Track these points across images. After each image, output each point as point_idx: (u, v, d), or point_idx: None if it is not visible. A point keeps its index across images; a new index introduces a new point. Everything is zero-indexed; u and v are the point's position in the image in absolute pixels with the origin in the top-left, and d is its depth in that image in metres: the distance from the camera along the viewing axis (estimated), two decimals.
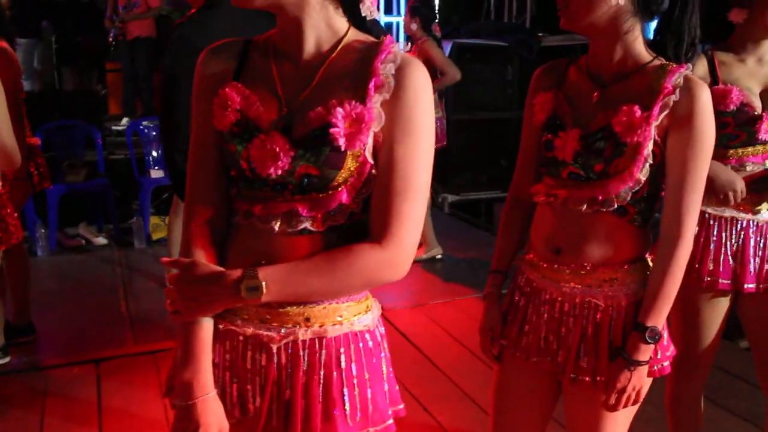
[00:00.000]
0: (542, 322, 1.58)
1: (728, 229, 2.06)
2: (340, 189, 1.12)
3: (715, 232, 2.06)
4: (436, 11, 6.44)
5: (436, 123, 4.62)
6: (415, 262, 4.65)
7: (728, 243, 2.05)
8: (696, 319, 2.11)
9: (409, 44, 4.71)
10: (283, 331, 1.16)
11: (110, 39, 6.80)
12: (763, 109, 2.01)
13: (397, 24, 6.55)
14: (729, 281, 2.05)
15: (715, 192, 1.98)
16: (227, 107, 1.15)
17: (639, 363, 1.46)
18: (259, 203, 1.15)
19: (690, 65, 1.46)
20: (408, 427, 2.75)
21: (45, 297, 4.04)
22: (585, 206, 1.49)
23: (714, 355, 2.17)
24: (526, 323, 1.61)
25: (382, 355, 1.25)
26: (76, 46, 7.41)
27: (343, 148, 1.09)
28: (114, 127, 6.60)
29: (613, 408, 1.49)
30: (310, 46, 1.15)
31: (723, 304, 2.10)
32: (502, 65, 6.76)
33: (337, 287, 1.13)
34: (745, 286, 2.04)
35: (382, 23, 6.43)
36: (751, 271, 2.04)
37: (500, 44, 6.80)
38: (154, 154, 5.34)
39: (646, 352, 1.47)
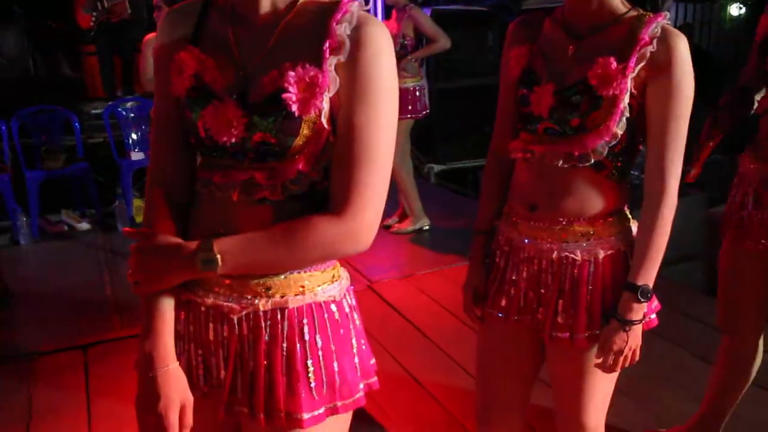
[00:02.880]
0: (522, 279, 1.56)
1: None
2: (297, 156, 1.07)
3: None
4: None
5: (419, 92, 4.57)
6: (403, 233, 4.67)
7: None
8: None
9: (394, 13, 4.57)
10: (243, 301, 1.13)
11: (92, 23, 6.61)
12: None
13: None
14: None
15: None
16: (182, 72, 1.11)
17: (633, 322, 1.45)
18: (219, 171, 1.12)
19: (667, 14, 1.42)
20: (400, 399, 2.76)
21: (30, 285, 4.00)
22: (561, 161, 1.46)
23: None
24: (506, 282, 1.59)
25: (351, 326, 1.20)
26: (49, 31, 7.26)
27: (297, 114, 1.04)
28: (92, 111, 6.50)
29: (611, 369, 1.48)
30: (265, 7, 1.10)
31: None
32: (482, 31, 6.68)
33: (294, 260, 1.09)
34: None
35: None
36: None
37: (479, 9, 6.72)
38: (134, 136, 5.27)
39: (639, 311, 1.45)
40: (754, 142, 2.04)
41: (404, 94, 4.48)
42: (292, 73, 1.04)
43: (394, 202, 4.75)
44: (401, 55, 4.44)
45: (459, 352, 3.09)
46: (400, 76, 4.41)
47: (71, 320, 3.56)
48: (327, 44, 1.05)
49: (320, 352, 1.14)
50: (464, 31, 6.36)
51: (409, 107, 4.51)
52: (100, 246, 4.76)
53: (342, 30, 1.05)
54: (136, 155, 5.17)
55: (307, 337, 1.13)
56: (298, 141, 1.06)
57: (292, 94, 1.03)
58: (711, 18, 10.92)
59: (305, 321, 1.14)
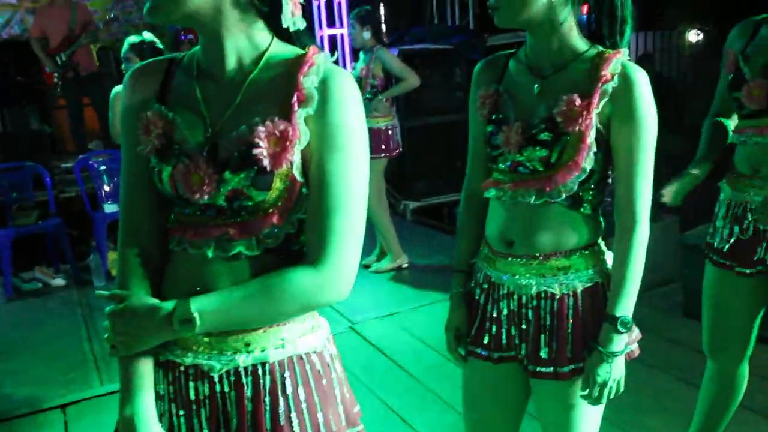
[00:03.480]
0: (502, 316, 1.57)
1: None
2: (271, 210, 1.08)
3: None
4: (382, 20, 6.47)
5: (391, 131, 4.62)
6: (382, 272, 4.67)
7: None
8: None
9: (361, 55, 4.65)
10: (223, 358, 1.11)
11: (55, 79, 6.61)
12: None
13: (341, 36, 6.52)
14: None
15: None
16: (150, 132, 1.11)
17: (615, 354, 1.46)
18: (192, 228, 1.11)
19: (626, 50, 1.47)
20: None
21: (5, 346, 3.91)
22: (533, 198, 1.48)
23: None
24: (487, 319, 1.60)
25: (333, 375, 1.19)
26: (18, 87, 7.23)
27: (269, 169, 1.05)
28: (63, 165, 6.46)
29: (597, 401, 1.48)
30: (231, 63, 1.11)
31: None
32: (449, 68, 6.79)
33: (273, 314, 1.09)
34: None
35: (325, 36, 6.40)
36: None
37: (445, 47, 6.84)
38: (106, 188, 5.23)
39: (620, 342, 1.46)
40: (733, 169, 2.10)
41: (377, 134, 4.53)
42: (261, 128, 1.04)
43: (371, 241, 4.76)
44: (372, 95, 4.50)
45: (445, 388, 3.07)
46: (371, 116, 4.51)
47: (49, 379, 3.48)
48: (295, 97, 1.06)
49: (304, 405, 1.13)
50: (432, 69, 6.47)
51: (383, 146, 4.55)
52: (76, 301, 4.68)
53: (309, 83, 1.06)
54: (110, 207, 5.12)
55: (289, 391, 1.12)
56: (271, 195, 1.07)
57: (263, 149, 1.04)
58: (670, 46, 11.22)
59: (287, 374, 1.12)
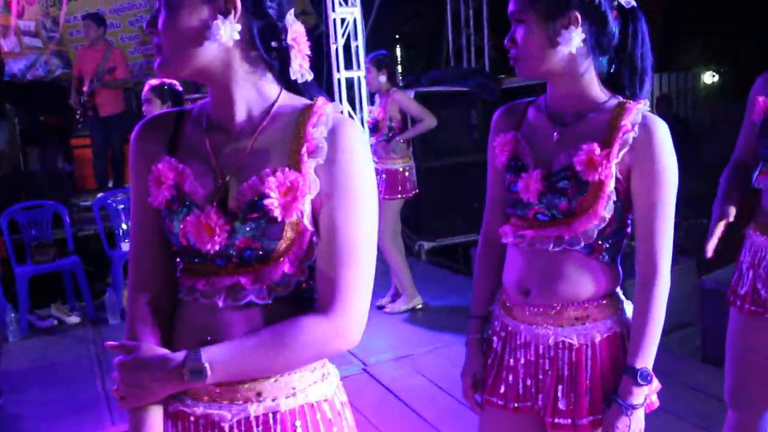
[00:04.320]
0: (519, 366, 1.55)
1: None
2: (282, 259, 1.09)
3: None
4: (398, 62, 6.55)
5: (407, 173, 4.64)
6: (396, 313, 4.65)
7: None
8: None
9: (377, 98, 4.71)
10: (234, 408, 1.10)
11: (77, 116, 6.78)
12: None
13: (358, 79, 6.60)
14: None
15: None
16: (161, 183, 1.12)
17: (634, 406, 1.43)
18: (203, 278, 1.12)
19: (646, 101, 1.47)
20: None
21: (19, 383, 3.91)
22: (552, 245, 1.48)
23: None
24: (504, 368, 1.58)
25: (344, 424, 1.18)
26: (41, 126, 7.39)
27: (279, 219, 1.06)
28: (82, 203, 6.54)
29: None
30: (241, 115, 1.12)
31: None
32: (465, 110, 6.86)
33: (284, 363, 1.09)
34: None
35: (342, 79, 6.49)
36: None
37: (461, 89, 6.91)
38: (124, 227, 5.28)
39: (639, 395, 1.44)
40: (760, 214, 2.08)
41: (394, 175, 4.56)
42: (272, 179, 1.06)
43: (386, 281, 4.75)
44: (389, 137, 4.54)
45: None
46: (389, 158, 4.55)
47: (61, 418, 3.47)
48: (305, 148, 1.08)
49: None
50: (448, 111, 6.53)
51: (399, 188, 4.57)
52: (91, 339, 4.69)
53: (318, 133, 1.08)
54: (127, 246, 5.16)
55: None
56: (282, 244, 1.08)
57: (273, 200, 1.05)
58: (686, 87, 11.28)
59: (298, 423, 1.12)
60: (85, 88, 6.64)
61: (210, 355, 1.04)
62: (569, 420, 1.47)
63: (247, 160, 1.10)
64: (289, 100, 1.14)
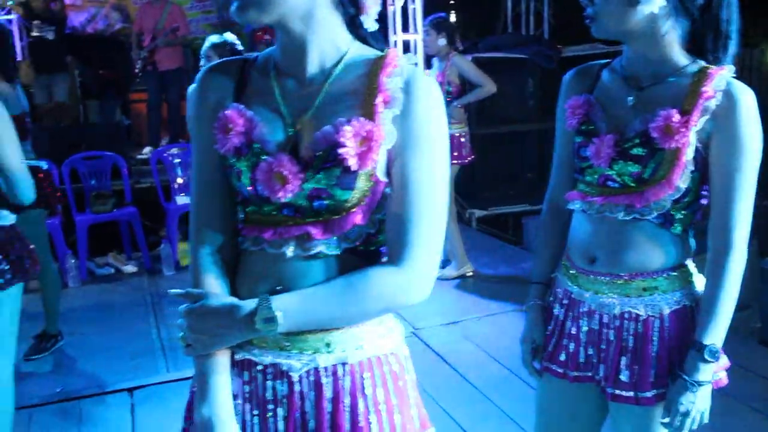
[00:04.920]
0: (581, 334, 1.53)
1: None
2: (354, 210, 1.08)
3: None
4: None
5: (463, 138, 4.59)
6: (447, 280, 4.65)
7: None
8: None
9: (436, 62, 4.65)
10: (303, 358, 1.10)
11: (136, 70, 6.91)
12: None
13: (415, 42, 6.51)
14: None
15: None
16: (229, 130, 1.10)
17: (701, 383, 1.40)
18: (270, 227, 1.10)
19: (731, 67, 1.40)
20: None
21: (78, 327, 4.05)
22: (622, 214, 1.44)
23: None
24: (565, 336, 1.56)
25: (407, 377, 1.18)
26: (100, 79, 7.52)
27: (354, 168, 1.05)
28: (138, 156, 6.68)
29: (678, 431, 1.43)
30: (313, 63, 1.11)
31: None
32: (522, 78, 6.72)
33: (355, 313, 1.09)
34: None
35: (399, 41, 6.42)
36: None
37: (519, 57, 6.76)
38: (179, 180, 5.37)
39: (706, 372, 1.40)
40: None
41: (451, 140, 4.49)
42: (348, 128, 1.04)
43: None
44: (447, 102, 4.49)
45: (508, 402, 3.02)
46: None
47: (118, 362, 3.60)
48: (380, 98, 1.06)
49: (382, 406, 1.12)
50: (505, 78, 6.38)
51: (455, 153, 4.52)
52: (146, 288, 4.82)
53: (393, 84, 1.07)
54: (182, 199, 5.26)
55: (368, 392, 1.11)
56: (355, 195, 1.07)
57: (348, 149, 1.04)
58: (752, 64, 10.85)
59: (366, 375, 1.12)
60: (145, 44, 6.74)
61: (281, 303, 1.04)
62: (632, 392, 1.45)
63: (318, 108, 1.09)
64: (359, 50, 1.13)
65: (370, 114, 1.06)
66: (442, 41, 4.49)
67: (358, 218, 1.08)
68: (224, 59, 1.21)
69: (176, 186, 5.37)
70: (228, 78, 1.16)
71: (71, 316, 4.17)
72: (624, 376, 1.46)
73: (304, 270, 1.09)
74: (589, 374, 1.53)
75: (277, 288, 1.08)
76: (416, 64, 1.15)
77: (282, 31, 1.11)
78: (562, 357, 1.56)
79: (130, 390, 3.29)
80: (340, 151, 1.04)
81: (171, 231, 5.19)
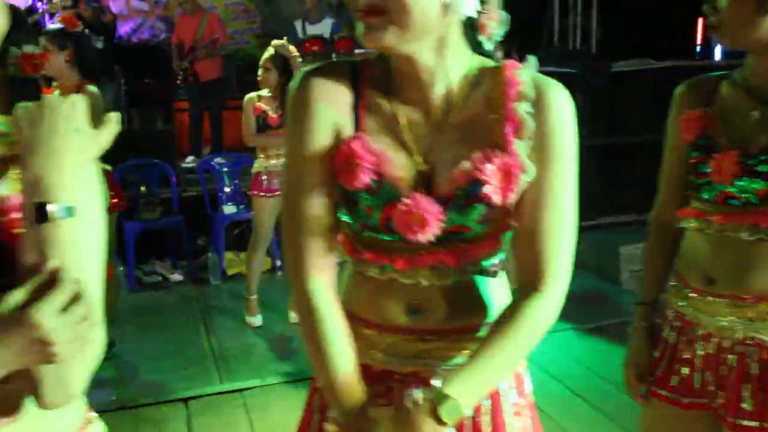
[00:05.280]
0: (696, 359, 1.46)
1: None
2: (488, 238, 1.06)
3: None
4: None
5: None
6: None
7: None
8: None
9: None
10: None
11: (177, 81, 6.95)
12: None
13: None
14: None
15: None
16: (355, 165, 1.02)
17: None
18: (399, 256, 1.06)
19: None
20: None
21: (129, 335, 4.03)
22: (746, 233, 1.37)
23: None
24: (677, 361, 1.49)
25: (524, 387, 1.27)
26: (144, 88, 7.59)
27: (498, 204, 1.02)
28: (183, 165, 6.70)
29: None
30: (439, 92, 1.05)
31: None
32: (570, 92, 6.62)
33: (521, 356, 1.10)
34: None
35: None
36: None
37: (567, 71, 6.67)
38: (227, 190, 5.37)
39: None
40: None
41: None
42: (489, 166, 1.00)
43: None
44: None
45: (572, 422, 2.93)
46: None
47: (171, 372, 3.57)
48: (509, 127, 1.02)
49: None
50: None
51: None
52: (194, 297, 4.80)
53: (522, 110, 1.02)
54: (229, 209, 5.25)
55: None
56: (493, 224, 1.05)
57: (492, 187, 1.01)
58: None
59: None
60: (185, 55, 6.76)
61: (454, 390, 0.98)
62: (756, 423, 1.37)
63: (448, 140, 1.04)
64: (477, 63, 1.07)
65: (502, 145, 1.02)
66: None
67: (492, 245, 1.07)
68: (329, 62, 1.13)
69: (223, 195, 5.36)
70: (343, 91, 1.06)
71: (122, 324, 4.16)
72: (747, 405, 1.38)
73: (437, 295, 1.09)
74: (705, 401, 1.45)
75: (414, 302, 1.08)
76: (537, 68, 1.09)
77: (406, 60, 1.03)
78: (674, 382, 1.49)
79: (185, 400, 3.26)
80: (484, 189, 1.00)
81: (218, 240, 5.18)
